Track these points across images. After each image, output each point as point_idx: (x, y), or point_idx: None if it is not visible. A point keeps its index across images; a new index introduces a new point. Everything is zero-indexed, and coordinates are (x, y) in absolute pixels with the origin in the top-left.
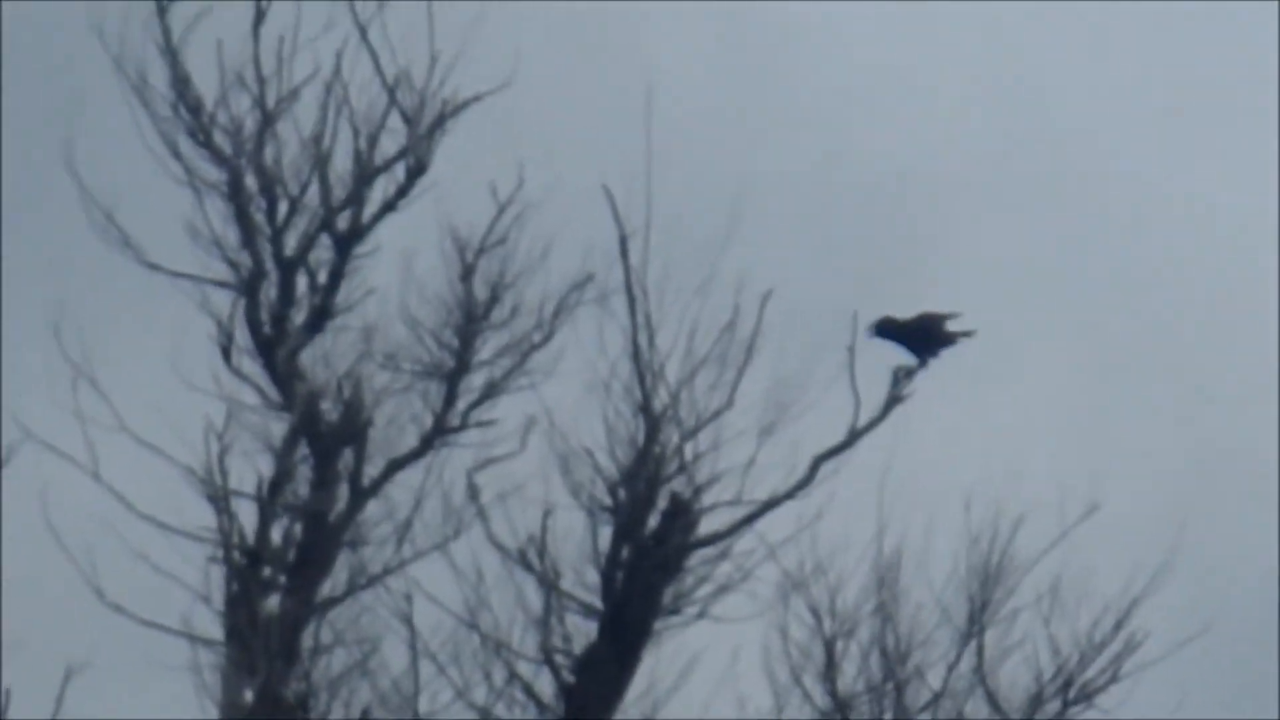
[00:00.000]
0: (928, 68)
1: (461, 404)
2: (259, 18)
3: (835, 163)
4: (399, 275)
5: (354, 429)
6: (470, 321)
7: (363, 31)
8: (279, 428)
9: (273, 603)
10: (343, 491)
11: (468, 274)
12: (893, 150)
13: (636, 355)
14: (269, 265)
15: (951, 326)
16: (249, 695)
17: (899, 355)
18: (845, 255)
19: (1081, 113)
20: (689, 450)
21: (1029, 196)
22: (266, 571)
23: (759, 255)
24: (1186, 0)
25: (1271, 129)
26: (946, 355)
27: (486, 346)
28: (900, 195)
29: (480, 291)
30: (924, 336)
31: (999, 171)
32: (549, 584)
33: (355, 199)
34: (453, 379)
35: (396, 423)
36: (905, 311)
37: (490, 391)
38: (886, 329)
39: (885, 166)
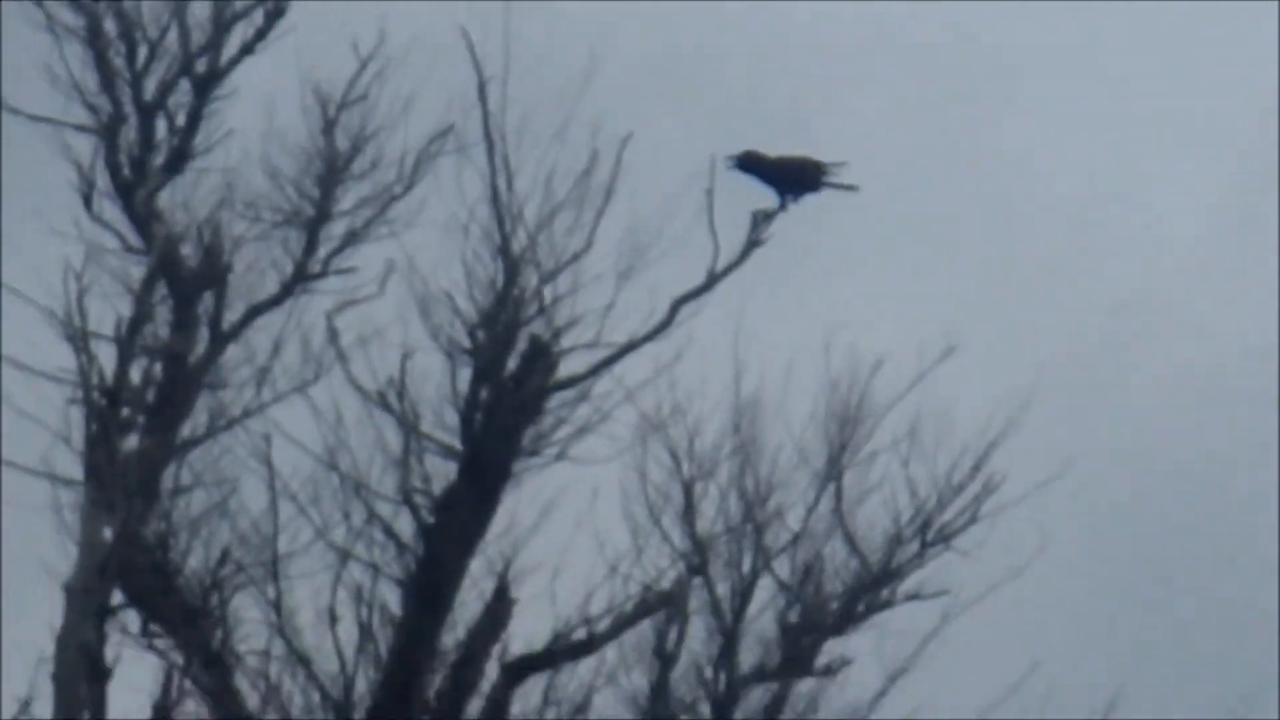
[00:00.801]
0: None
1: (322, 251)
2: None
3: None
4: (260, 125)
5: (214, 273)
6: (331, 172)
7: None
8: (139, 271)
9: (132, 443)
10: (203, 335)
11: (329, 127)
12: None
13: (495, 199)
14: (128, 110)
15: (832, 178)
16: (108, 534)
17: (761, 196)
18: (710, 101)
19: None
20: (548, 293)
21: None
22: (125, 412)
23: (617, 100)
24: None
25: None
26: (810, 200)
27: (348, 196)
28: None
29: (342, 143)
30: (790, 176)
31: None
32: (408, 425)
33: (214, 43)
34: (313, 227)
35: (256, 269)
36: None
37: (351, 240)
38: (749, 163)
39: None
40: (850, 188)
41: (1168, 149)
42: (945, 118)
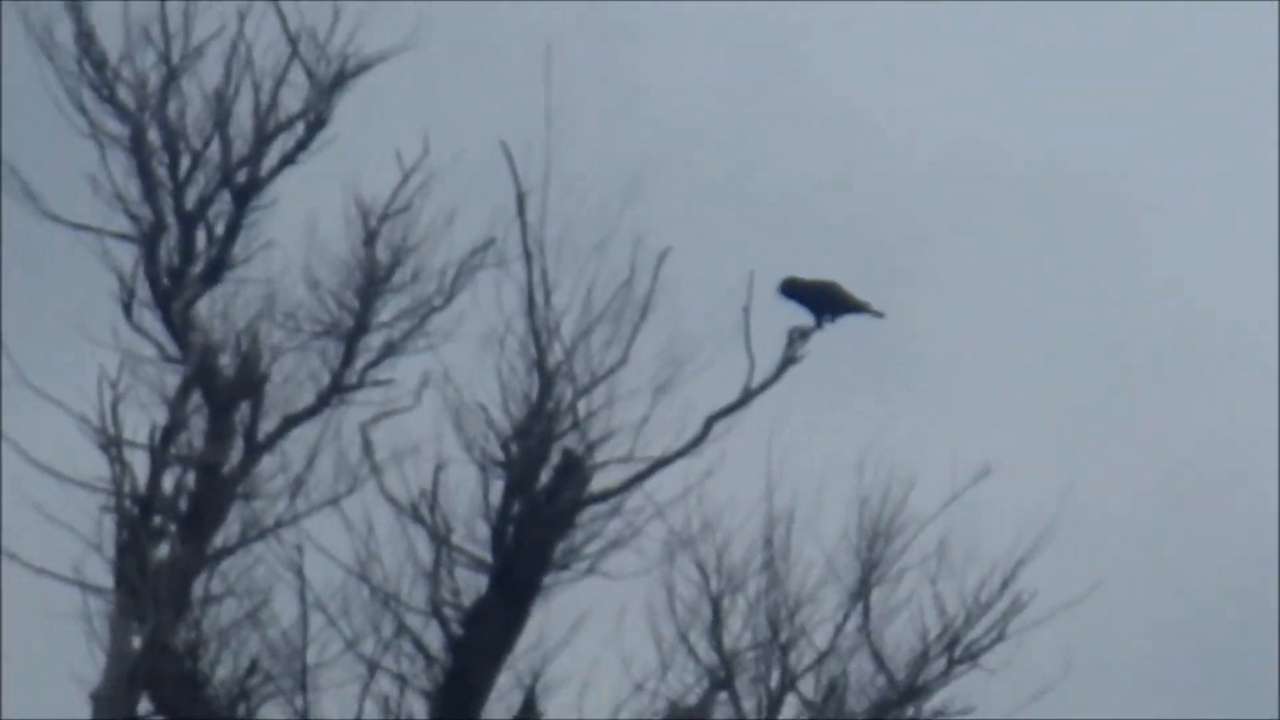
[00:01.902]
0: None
1: (359, 363)
2: None
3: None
4: (302, 236)
5: (250, 383)
6: (371, 284)
7: None
8: (175, 380)
9: (163, 552)
10: (238, 445)
11: (370, 239)
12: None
13: (532, 311)
14: (169, 219)
15: (860, 304)
16: (137, 643)
17: (796, 317)
18: (748, 220)
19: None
20: (583, 406)
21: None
22: (158, 520)
23: (659, 215)
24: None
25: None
26: (846, 322)
27: (387, 308)
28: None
29: (382, 255)
30: (827, 298)
31: None
32: (440, 537)
33: (255, 154)
34: (351, 339)
35: (294, 379)
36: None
37: (388, 351)
38: (791, 289)
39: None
40: (877, 314)
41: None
42: (990, 240)
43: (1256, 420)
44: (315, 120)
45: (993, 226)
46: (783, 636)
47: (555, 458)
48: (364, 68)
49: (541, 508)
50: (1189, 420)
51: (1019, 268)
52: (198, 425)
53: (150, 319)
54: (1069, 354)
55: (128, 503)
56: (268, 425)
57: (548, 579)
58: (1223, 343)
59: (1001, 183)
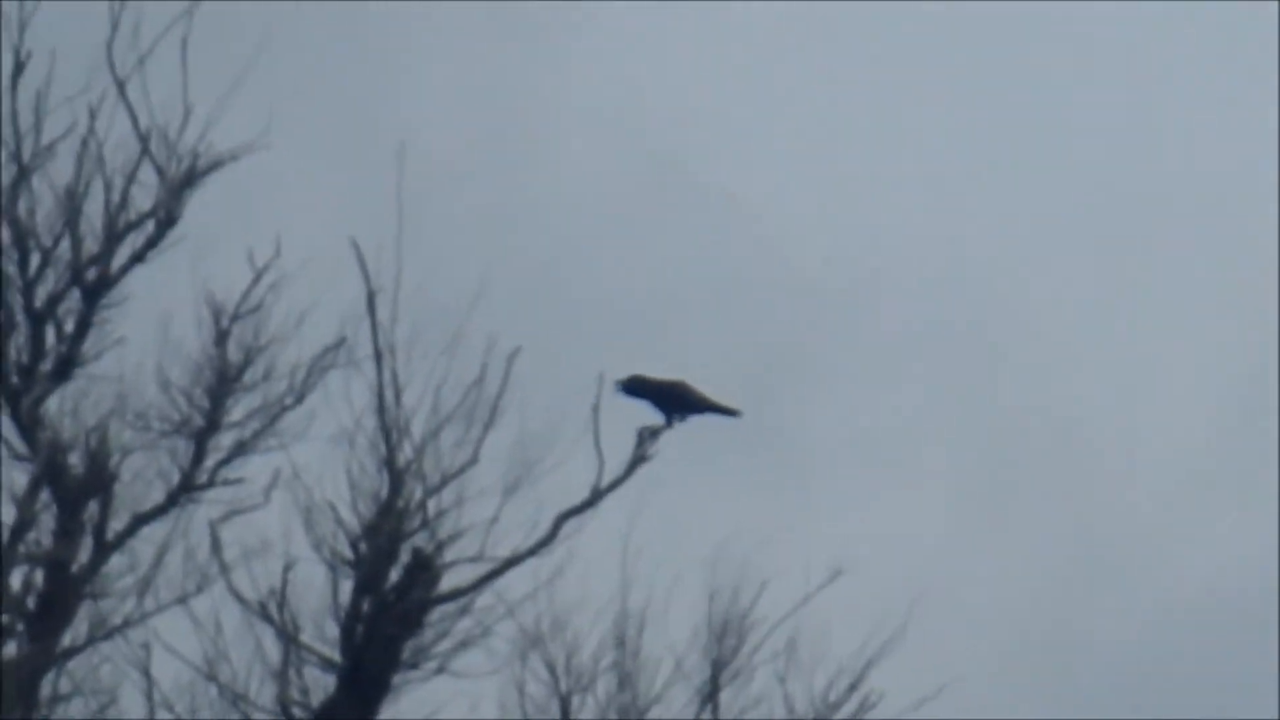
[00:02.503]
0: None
1: (210, 462)
2: (17, 70)
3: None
4: (153, 334)
5: (99, 481)
6: (222, 383)
7: (120, 86)
8: (23, 478)
9: (11, 650)
10: (86, 543)
11: (222, 338)
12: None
13: (382, 410)
14: (19, 317)
15: (714, 403)
16: None
17: (647, 415)
18: (594, 319)
19: None
20: (432, 506)
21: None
22: (5, 619)
23: (508, 316)
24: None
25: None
26: (696, 421)
27: (238, 407)
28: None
29: (234, 355)
30: (675, 397)
31: None
32: (288, 636)
33: (106, 252)
34: (202, 437)
35: (143, 478)
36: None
37: (239, 450)
38: (635, 386)
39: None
40: (734, 413)
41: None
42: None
43: (1123, 519)
44: (166, 218)
45: (879, 323)
46: None
47: (405, 556)
48: (215, 166)
49: (391, 606)
50: (1051, 520)
51: (900, 363)
52: (46, 523)
53: None
54: (942, 452)
55: None
56: (117, 524)
57: (397, 678)
58: (1097, 445)
59: (892, 278)
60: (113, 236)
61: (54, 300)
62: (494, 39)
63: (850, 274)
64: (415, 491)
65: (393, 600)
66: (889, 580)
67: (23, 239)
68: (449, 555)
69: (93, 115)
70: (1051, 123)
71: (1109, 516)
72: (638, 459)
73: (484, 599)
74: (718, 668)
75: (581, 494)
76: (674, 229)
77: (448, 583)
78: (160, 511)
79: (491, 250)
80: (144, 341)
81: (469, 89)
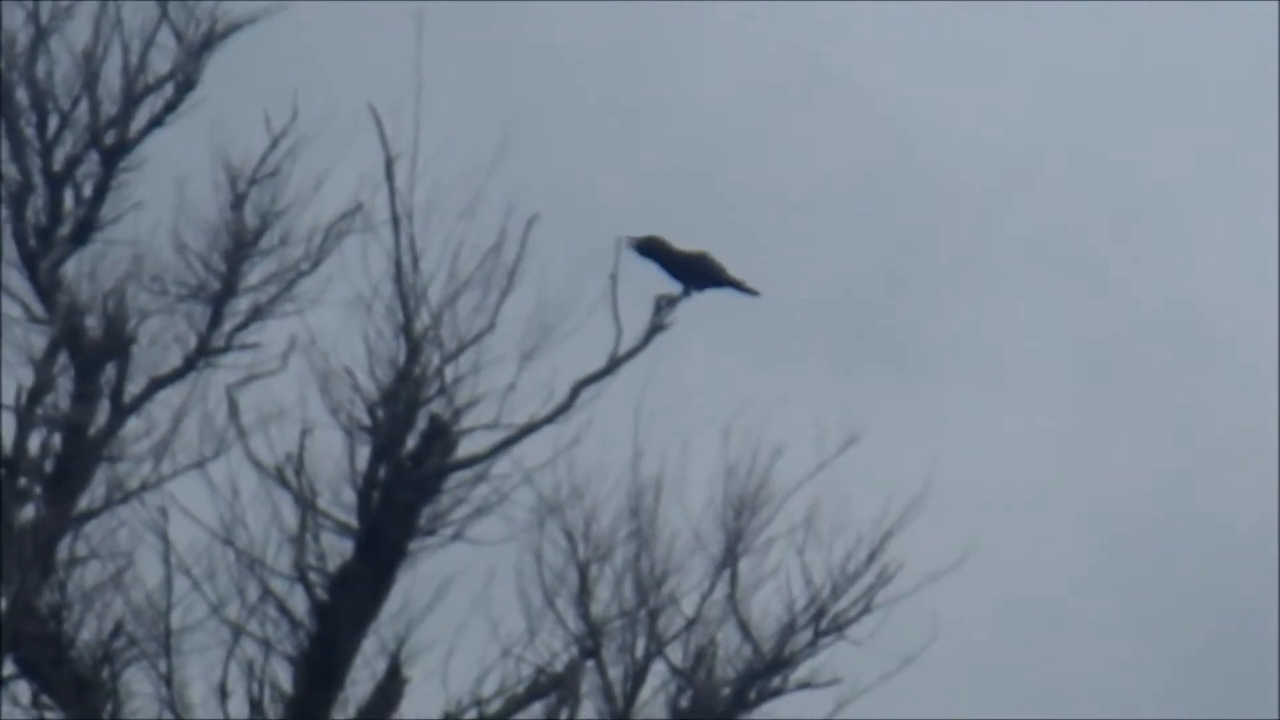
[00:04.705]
0: None
1: (226, 326)
2: None
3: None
4: (171, 198)
5: (116, 345)
6: (239, 248)
7: None
8: (41, 341)
9: (28, 513)
10: (103, 406)
11: (238, 203)
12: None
13: (399, 277)
14: (37, 179)
15: (733, 280)
16: (1, 605)
17: (664, 283)
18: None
19: None
20: (449, 372)
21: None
22: (23, 482)
23: (528, 180)
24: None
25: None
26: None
27: (254, 272)
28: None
29: (250, 220)
30: (695, 268)
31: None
32: (305, 502)
33: (124, 115)
34: (218, 302)
35: (160, 342)
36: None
37: (255, 315)
38: (649, 248)
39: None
40: (753, 292)
41: None
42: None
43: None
44: (184, 82)
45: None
46: (650, 605)
47: (422, 423)
48: (233, 29)
49: (408, 473)
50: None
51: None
52: (64, 387)
53: (17, 279)
54: (1057, 358)
55: None
56: (134, 387)
57: (414, 544)
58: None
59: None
60: (131, 100)
61: (72, 163)
62: None
63: (983, 175)
64: (432, 358)
65: (409, 466)
66: (910, 448)
67: (41, 101)
68: (466, 422)
69: None
70: (1199, 29)
71: (1228, 417)
72: (655, 328)
73: (501, 466)
74: (734, 538)
75: (599, 362)
76: (808, 126)
77: (464, 449)
78: (177, 375)
79: (623, 140)
80: (162, 205)
81: None
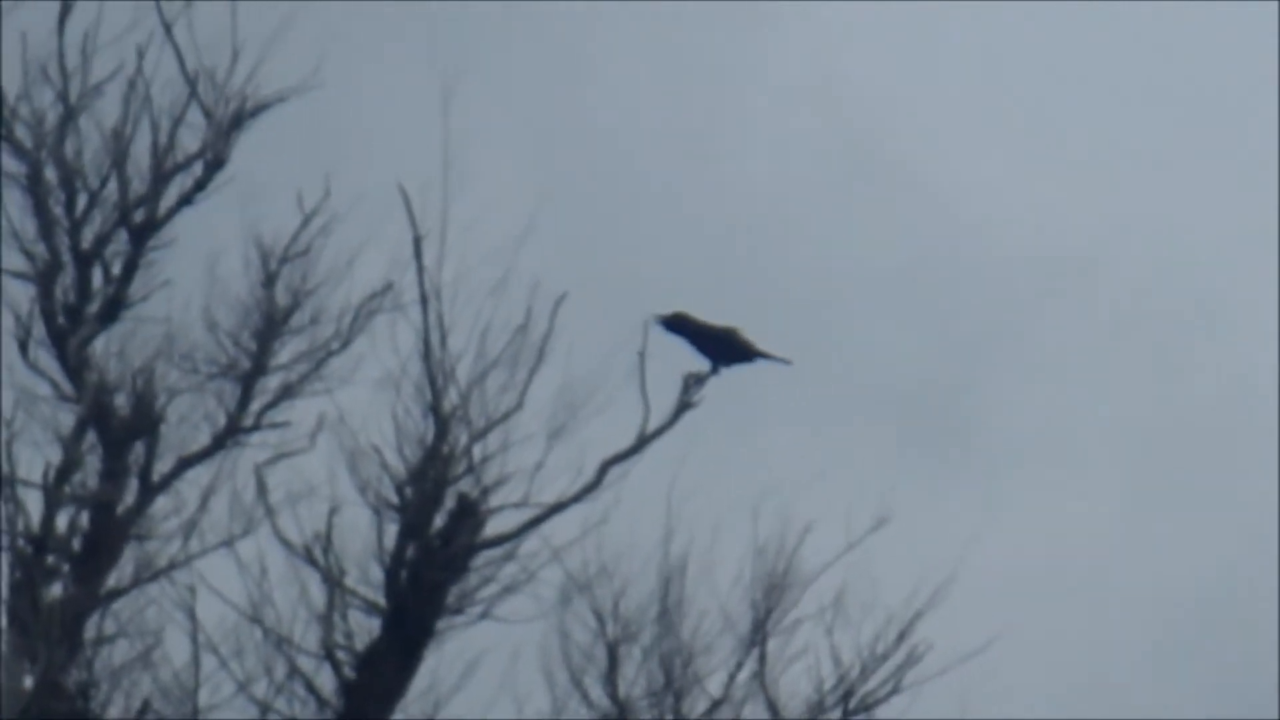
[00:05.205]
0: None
1: (256, 405)
2: (65, 12)
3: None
4: (201, 276)
5: (145, 423)
6: (269, 326)
7: (167, 28)
8: (69, 419)
9: (56, 591)
10: (132, 485)
11: (270, 281)
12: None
13: (427, 355)
14: (66, 257)
15: (762, 352)
16: (29, 683)
17: (693, 360)
18: (642, 261)
19: None
20: (478, 451)
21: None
22: (50, 560)
23: (555, 259)
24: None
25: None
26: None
27: (284, 351)
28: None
29: (281, 298)
30: (723, 344)
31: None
32: (333, 580)
33: (153, 193)
34: (248, 380)
35: (189, 420)
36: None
37: (285, 394)
38: (677, 324)
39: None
40: (785, 362)
41: None
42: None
43: None
44: (213, 160)
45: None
46: (677, 684)
47: (450, 502)
48: (262, 108)
49: (436, 552)
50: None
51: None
52: (92, 465)
53: (45, 357)
54: (1119, 447)
55: (20, 541)
56: (162, 466)
57: (441, 623)
58: None
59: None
60: (160, 178)
61: (101, 241)
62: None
63: (1041, 264)
64: (460, 436)
65: (437, 545)
66: (939, 530)
67: (70, 180)
68: (494, 500)
69: (140, 56)
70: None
71: None
72: (683, 406)
73: (529, 545)
74: (763, 616)
75: (627, 440)
76: (863, 210)
77: (492, 528)
78: (206, 454)
79: (667, 219)
80: (192, 284)
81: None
